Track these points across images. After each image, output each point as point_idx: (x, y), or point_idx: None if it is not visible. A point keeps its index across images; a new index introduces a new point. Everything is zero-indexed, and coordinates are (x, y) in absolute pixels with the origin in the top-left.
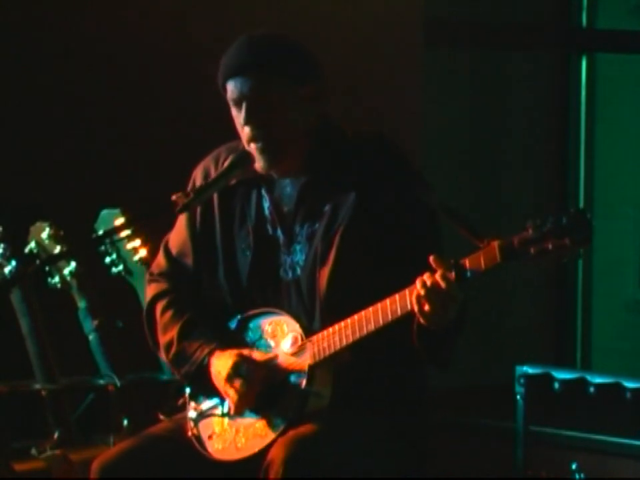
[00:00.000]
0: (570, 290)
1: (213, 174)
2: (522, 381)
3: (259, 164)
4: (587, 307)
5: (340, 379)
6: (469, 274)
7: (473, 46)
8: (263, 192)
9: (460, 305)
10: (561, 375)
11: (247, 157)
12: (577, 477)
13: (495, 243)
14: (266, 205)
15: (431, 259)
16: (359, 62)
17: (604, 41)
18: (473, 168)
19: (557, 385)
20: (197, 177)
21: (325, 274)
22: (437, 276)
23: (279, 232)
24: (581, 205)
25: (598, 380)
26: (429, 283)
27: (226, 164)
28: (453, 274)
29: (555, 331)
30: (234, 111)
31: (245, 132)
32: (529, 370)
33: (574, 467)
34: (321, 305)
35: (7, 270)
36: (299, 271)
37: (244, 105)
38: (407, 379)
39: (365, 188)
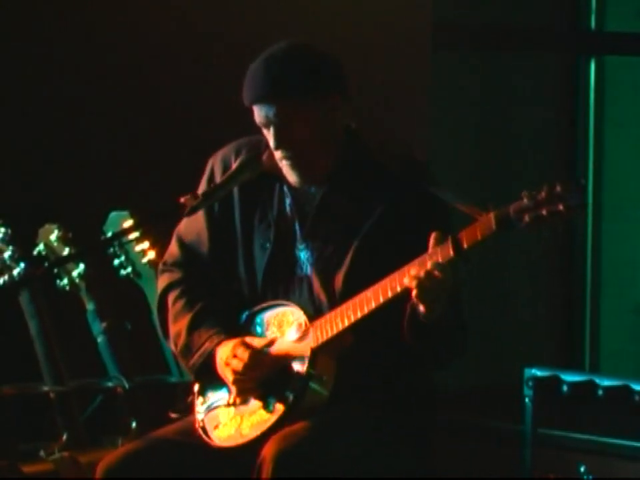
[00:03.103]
0: (578, 292)
1: (233, 165)
2: (530, 383)
3: (292, 178)
4: (596, 309)
5: (343, 367)
6: (465, 245)
7: (481, 49)
8: (285, 188)
9: (455, 301)
10: (570, 377)
11: (256, 160)
12: (585, 479)
13: (492, 213)
14: (287, 201)
15: (433, 235)
16: (366, 64)
17: (613, 43)
18: (480, 171)
19: (565, 388)
20: (216, 165)
21: (340, 273)
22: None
23: (297, 227)
24: (590, 206)
25: (606, 383)
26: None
27: (235, 165)
28: (451, 248)
29: (563, 333)
30: (264, 131)
31: (275, 152)
32: (537, 372)
33: (582, 469)
34: (333, 302)
35: (15, 272)
36: (309, 267)
37: (272, 130)
38: (412, 375)
39: (388, 201)
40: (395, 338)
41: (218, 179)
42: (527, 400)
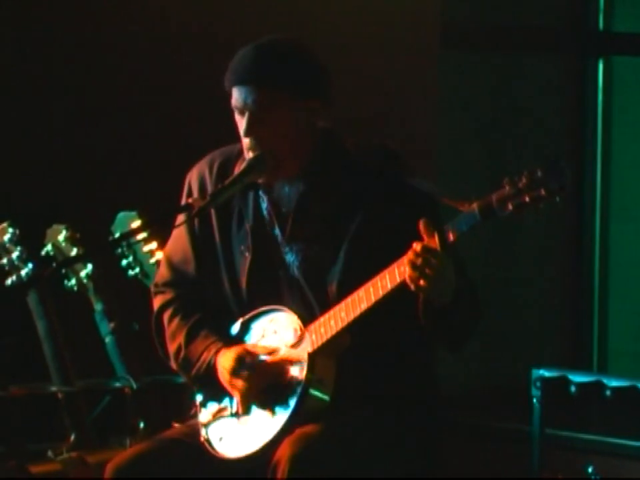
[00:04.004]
0: (586, 292)
1: (207, 178)
2: (538, 383)
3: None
4: (604, 309)
5: (344, 366)
6: (451, 237)
7: (489, 49)
8: (261, 193)
9: (462, 279)
10: (578, 378)
11: (261, 161)
12: (593, 479)
13: (475, 204)
14: (264, 205)
15: (421, 224)
16: (375, 64)
17: (621, 44)
18: (487, 171)
19: (573, 388)
20: (192, 181)
21: (333, 282)
22: (423, 246)
23: (277, 231)
24: (598, 208)
25: (614, 383)
26: (419, 250)
27: (242, 166)
28: (437, 240)
29: (571, 333)
30: (236, 116)
31: (244, 141)
32: (546, 373)
33: (590, 469)
34: (327, 309)
35: (23, 272)
36: (295, 270)
37: (246, 116)
38: (416, 374)
39: (369, 197)
40: (393, 336)
41: (195, 193)
42: (534, 400)
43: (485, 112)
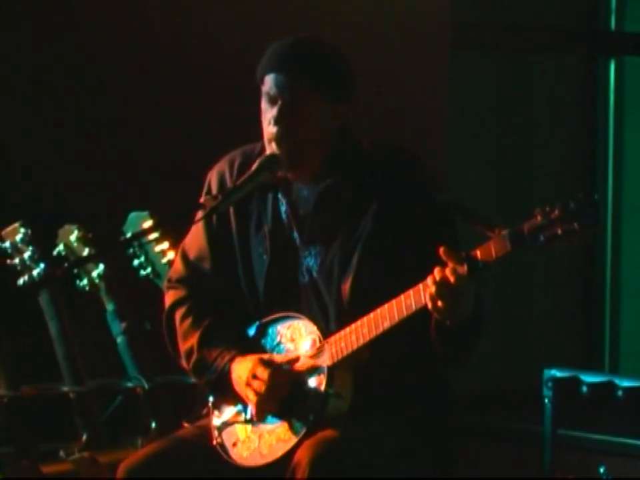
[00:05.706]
0: (598, 293)
1: (228, 178)
2: (550, 384)
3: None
4: (615, 310)
5: (361, 379)
6: (480, 265)
7: (500, 49)
8: (280, 195)
9: (475, 299)
10: (589, 378)
11: (275, 160)
12: (605, 479)
13: (505, 232)
14: (283, 208)
15: (442, 251)
16: (386, 64)
17: (632, 44)
18: (499, 171)
19: (584, 389)
20: (212, 180)
21: (347, 281)
22: (447, 270)
23: (295, 234)
24: (610, 208)
25: (626, 383)
26: (438, 277)
27: (254, 166)
28: (465, 267)
29: (582, 334)
30: (264, 104)
31: (269, 130)
32: (557, 373)
33: (602, 470)
34: (341, 310)
35: (35, 272)
36: (314, 273)
37: (278, 105)
38: (429, 380)
39: (384, 198)
40: (410, 349)
41: (214, 192)
42: (546, 401)
43: (496, 110)
